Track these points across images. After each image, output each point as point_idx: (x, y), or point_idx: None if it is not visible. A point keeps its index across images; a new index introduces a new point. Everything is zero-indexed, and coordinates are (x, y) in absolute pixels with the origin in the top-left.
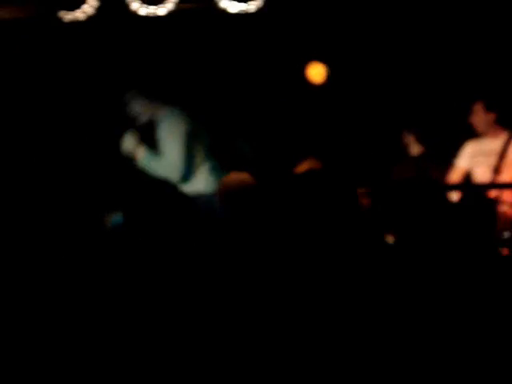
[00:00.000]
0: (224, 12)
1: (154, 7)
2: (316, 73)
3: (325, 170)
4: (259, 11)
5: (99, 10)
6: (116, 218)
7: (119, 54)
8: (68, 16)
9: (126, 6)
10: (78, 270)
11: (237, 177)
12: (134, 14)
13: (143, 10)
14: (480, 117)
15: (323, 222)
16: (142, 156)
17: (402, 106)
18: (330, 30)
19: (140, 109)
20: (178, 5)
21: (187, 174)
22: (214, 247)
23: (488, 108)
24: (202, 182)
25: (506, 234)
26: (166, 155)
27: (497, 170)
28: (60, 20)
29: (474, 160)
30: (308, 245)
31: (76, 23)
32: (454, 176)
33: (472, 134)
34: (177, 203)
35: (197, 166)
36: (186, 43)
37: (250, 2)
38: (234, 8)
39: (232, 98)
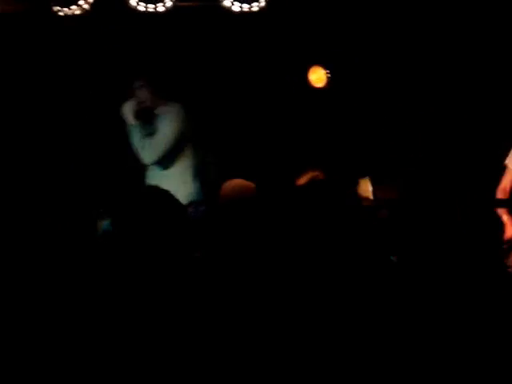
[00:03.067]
0: (226, 11)
1: (153, 5)
2: (317, 77)
3: (328, 180)
4: (262, 12)
5: (96, 5)
6: (106, 224)
7: (115, 52)
8: (63, 11)
9: (124, 3)
10: (66, 273)
11: (239, 183)
12: (132, 11)
13: (141, 7)
14: None
15: (325, 234)
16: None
17: (410, 110)
18: (333, 33)
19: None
20: (179, 3)
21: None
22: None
23: None
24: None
25: None
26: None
27: None
28: (55, 15)
29: None
30: (307, 256)
31: (71, 19)
32: (507, 178)
33: None
34: (167, 211)
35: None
36: (186, 42)
37: (253, 3)
38: (236, 7)
39: (230, 100)
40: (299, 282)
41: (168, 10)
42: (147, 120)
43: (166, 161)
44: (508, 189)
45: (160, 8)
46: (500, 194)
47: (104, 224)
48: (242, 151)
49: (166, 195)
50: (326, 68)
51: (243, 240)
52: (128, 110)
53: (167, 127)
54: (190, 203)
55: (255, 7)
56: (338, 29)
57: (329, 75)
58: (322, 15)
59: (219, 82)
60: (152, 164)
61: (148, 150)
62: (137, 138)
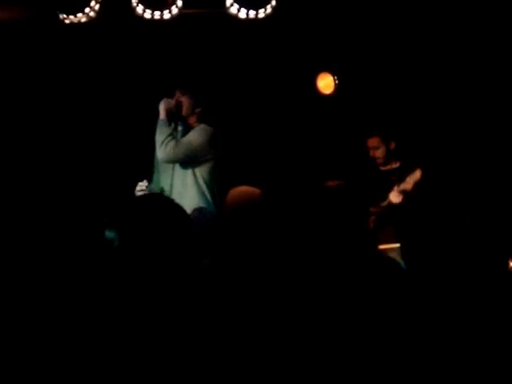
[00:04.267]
0: (233, 18)
1: (159, 12)
2: (325, 84)
3: (342, 187)
4: (268, 19)
5: (103, 13)
6: (109, 233)
7: (122, 58)
8: (70, 19)
9: (130, 10)
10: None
11: (245, 189)
12: (139, 18)
13: (148, 14)
14: None
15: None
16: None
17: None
18: (340, 40)
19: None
20: (187, 10)
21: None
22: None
23: None
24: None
25: None
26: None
27: None
28: (62, 22)
29: None
30: (318, 263)
31: (78, 26)
32: None
33: None
34: (171, 218)
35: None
36: (193, 49)
37: (259, 10)
38: (243, 14)
39: (238, 107)
40: (307, 289)
41: (174, 18)
42: (176, 122)
43: (178, 172)
44: None
45: (166, 15)
46: None
47: (107, 233)
48: (250, 158)
49: (170, 203)
50: (334, 75)
51: (251, 247)
52: (163, 105)
53: (195, 137)
54: (195, 209)
55: (261, 14)
56: (346, 35)
57: (337, 82)
58: (329, 22)
59: (226, 89)
60: (165, 162)
61: (168, 148)
62: (161, 134)
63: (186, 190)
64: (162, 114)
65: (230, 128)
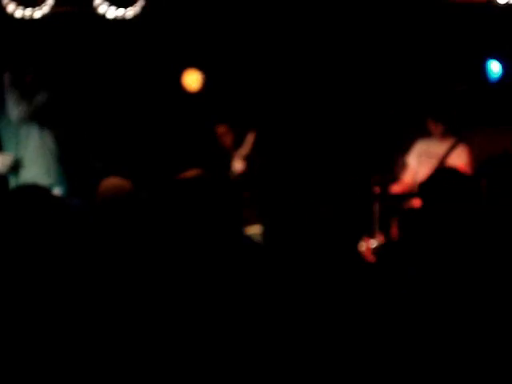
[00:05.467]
0: (102, 17)
1: (30, 10)
2: (192, 80)
3: (207, 176)
4: (137, 17)
5: None
6: None
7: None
8: None
9: (2, 8)
10: None
11: (115, 181)
12: (10, 16)
13: (19, 13)
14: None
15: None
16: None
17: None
18: (207, 38)
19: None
20: (55, 8)
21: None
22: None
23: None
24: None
25: None
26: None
27: None
28: None
29: (420, 159)
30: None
31: None
32: (406, 175)
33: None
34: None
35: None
36: (62, 47)
37: (128, 9)
38: (111, 14)
39: (106, 104)
40: (175, 277)
41: (45, 16)
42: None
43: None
44: (408, 184)
45: (37, 13)
46: (399, 188)
47: None
48: (119, 152)
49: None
50: (200, 71)
51: (121, 237)
52: (8, 78)
53: (43, 98)
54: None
55: (130, 13)
56: (213, 33)
57: (203, 78)
58: (197, 19)
59: (96, 86)
60: (22, 119)
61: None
62: (13, 98)
63: (35, 156)
64: (7, 83)
65: (101, 122)
